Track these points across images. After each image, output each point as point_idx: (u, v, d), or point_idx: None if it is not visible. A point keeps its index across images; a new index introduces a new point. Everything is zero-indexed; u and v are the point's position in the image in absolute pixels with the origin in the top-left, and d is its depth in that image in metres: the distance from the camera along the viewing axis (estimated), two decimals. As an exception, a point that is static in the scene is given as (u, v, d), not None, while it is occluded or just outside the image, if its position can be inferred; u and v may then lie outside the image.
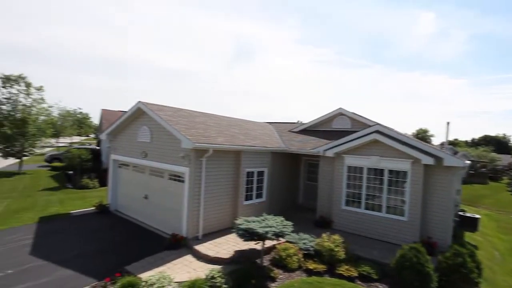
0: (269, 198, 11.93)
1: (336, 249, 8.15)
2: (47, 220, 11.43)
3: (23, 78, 21.96)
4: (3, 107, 21.31)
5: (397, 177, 10.00)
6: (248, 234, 7.21)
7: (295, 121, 17.82)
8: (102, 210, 12.67)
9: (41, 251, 8.63)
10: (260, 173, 11.53)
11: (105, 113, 24.64)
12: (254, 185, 11.23)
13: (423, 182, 9.54)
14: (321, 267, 7.87)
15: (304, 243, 8.73)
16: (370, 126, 11.38)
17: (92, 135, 63.19)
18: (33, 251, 8.61)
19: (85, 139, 62.22)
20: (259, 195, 11.53)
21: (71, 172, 20.11)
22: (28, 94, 22.34)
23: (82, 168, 19.97)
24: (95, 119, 58.56)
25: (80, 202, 14.32)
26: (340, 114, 13.95)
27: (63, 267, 7.71)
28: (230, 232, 9.99)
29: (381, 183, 10.31)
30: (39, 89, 22.88)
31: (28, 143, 21.94)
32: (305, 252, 8.46)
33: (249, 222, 7.49)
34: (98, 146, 30.74)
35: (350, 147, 10.83)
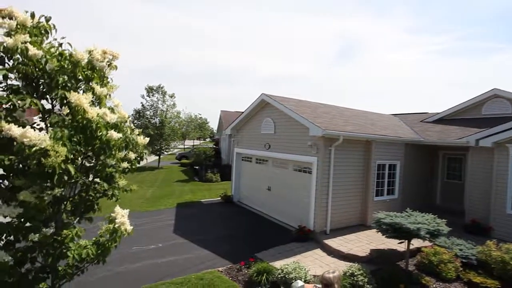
0: (402, 195, 10.41)
1: None
2: (183, 206, 12.83)
3: (161, 87, 25.98)
4: (147, 112, 25.61)
5: None
6: (393, 230, 6.21)
7: (425, 112, 15.35)
8: (226, 200, 13.48)
9: (181, 230, 9.56)
10: (392, 167, 10.17)
11: (224, 114, 26.94)
12: (386, 180, 9.96)
13: None
14: (491, 283, 6.17)
15: (460, 249, 7.10)
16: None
17: (208, 139, 70.45)
18: (175, 230, 9.62)
19: (203, 142, 69.91)
20: (390, 191, 10.17)
21: (197, 167, 22.55)
22: (164, 101, 26.30)
23: (206, 164, 22.12)
24: (211, 124, 65.22)
25: (207, 193, 15.70)
26: (494, 96, 11.17)
27: (200, 247, 8.27)
28: (360, 230, 9.12)
29: None
30: (172, 96, 26.67)
31: (164, 142, 25.74)
32: (464, 260, 6.84)
33: (392, 216, 6.47)
34: (216, 146, 33.91)
35: (520, 133, 8.42)
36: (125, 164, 3.97)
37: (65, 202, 3.46)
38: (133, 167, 4.11)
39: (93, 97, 3.32)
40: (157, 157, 26.79)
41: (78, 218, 3.68)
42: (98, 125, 3.06)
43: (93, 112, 3.02)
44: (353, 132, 8.77)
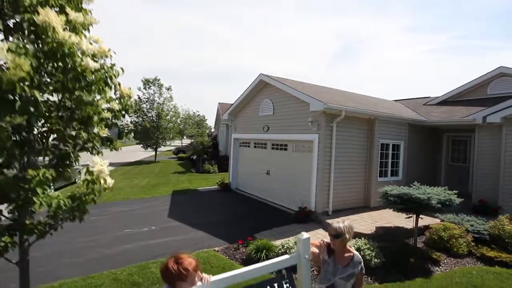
0: (406, 177, 9.99)
1: (526, 236, 5.91)
2: (179, 193, 12.38)
3: (158, 80, 25.51)
4: (143, 105, 25.12)
5: None
6: (401, 201, 5.80)
7: (428, 96, 14.93)
8: (224, 188, 13.05)
9: (176, 215, 9.12)
10: (395, 147, 9.77)
11: (222, 106, 26.54)
12: (389, 160, 9.56)
13: None
14: (505, 256, 5.79)
15: (471, 225, 6.70)
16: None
17: (207, 138, 69.90)
18: (170, 215, 9.18)
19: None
20: (393, 173, 9.78)
21: (194, 157, 22.14)
22: (160, 94, 25.83)
23: (204, 155, 21.70)
24: (209, 122, 64.56)
25: (204, 182, 15.28)
26: (500, 75, 10.78)
27: (197, 229, 7.84)
28: (363, 211, 8.74)
29: None
30: (168, 88, 26.20)
31: (161, 135, 25.26)
32: (475, 235, 6.45)
33: (399, 189, 6.07)
34: (214, 140, 33.56)
35: (530, 108, 8.05)
36: (107, 114, 3.54)
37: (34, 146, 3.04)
38: (116, 119, 3.69)
39: (66, 25, 2.89)
40: (154, 152, 26.35)
41: (51, 170, 3.24)
42: (71, 50, 2.63)
43: (65, 34, 2.59)
44: (355, 108, 8.36)
